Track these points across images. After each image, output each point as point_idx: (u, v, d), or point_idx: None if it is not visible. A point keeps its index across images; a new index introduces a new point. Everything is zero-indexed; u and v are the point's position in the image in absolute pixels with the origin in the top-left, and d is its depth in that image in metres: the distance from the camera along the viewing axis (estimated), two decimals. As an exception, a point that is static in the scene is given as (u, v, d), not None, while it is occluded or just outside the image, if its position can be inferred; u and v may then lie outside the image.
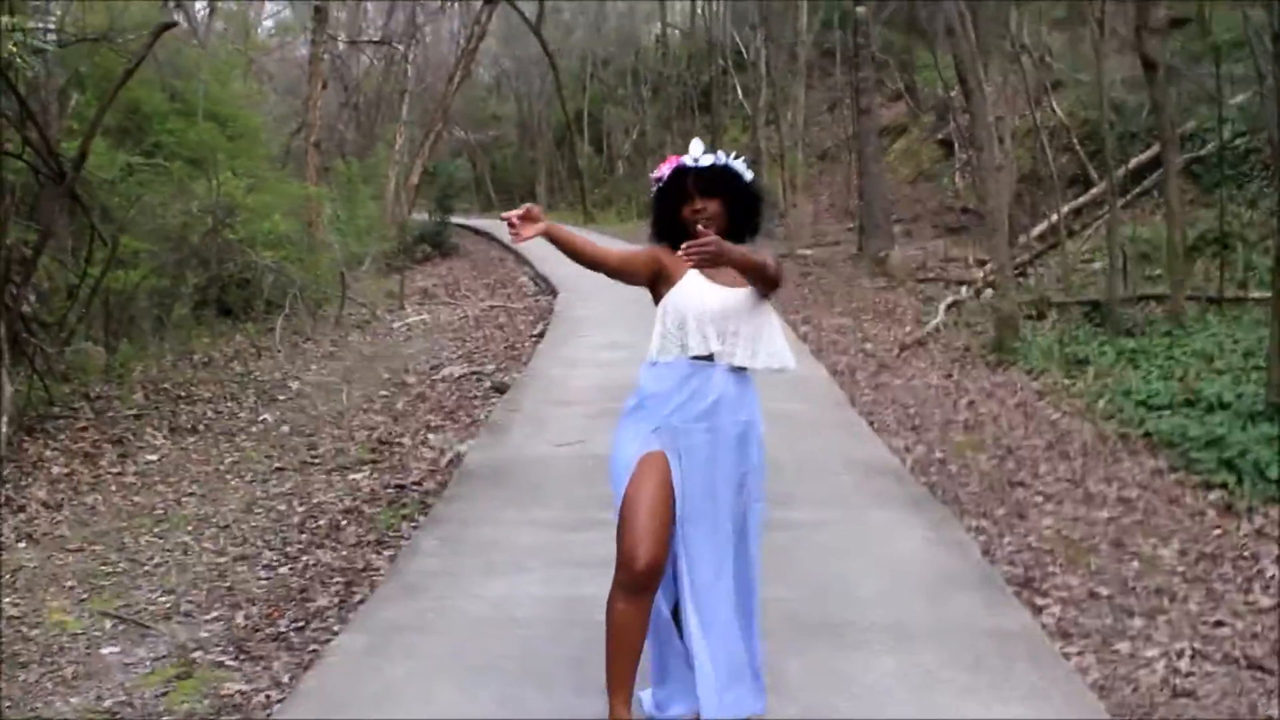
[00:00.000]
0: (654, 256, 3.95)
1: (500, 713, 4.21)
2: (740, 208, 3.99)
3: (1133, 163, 18.60)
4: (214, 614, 5.63)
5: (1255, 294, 13.21)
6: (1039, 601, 5.59)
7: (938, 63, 24.41)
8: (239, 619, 5.53)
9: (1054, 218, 17.60)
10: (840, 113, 30.77)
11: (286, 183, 18.49)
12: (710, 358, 3.84)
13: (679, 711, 3.97)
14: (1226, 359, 11.06)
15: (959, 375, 11.57)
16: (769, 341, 3.93)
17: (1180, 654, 5.04)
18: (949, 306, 15.11)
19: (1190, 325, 12.40)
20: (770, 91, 28.56)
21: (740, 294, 3.90)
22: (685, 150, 3.96)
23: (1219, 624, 5.42)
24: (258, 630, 5.37)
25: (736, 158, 4.00)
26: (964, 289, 16.40)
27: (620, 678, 3.83)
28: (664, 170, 3.98)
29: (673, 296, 3.89)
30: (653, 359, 3.93)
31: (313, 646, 5.12)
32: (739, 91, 36.45)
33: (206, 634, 5.36)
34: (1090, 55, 22.48)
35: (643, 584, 3.76)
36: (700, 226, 3.82)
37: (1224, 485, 7.51)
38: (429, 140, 26.66)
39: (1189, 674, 4.85)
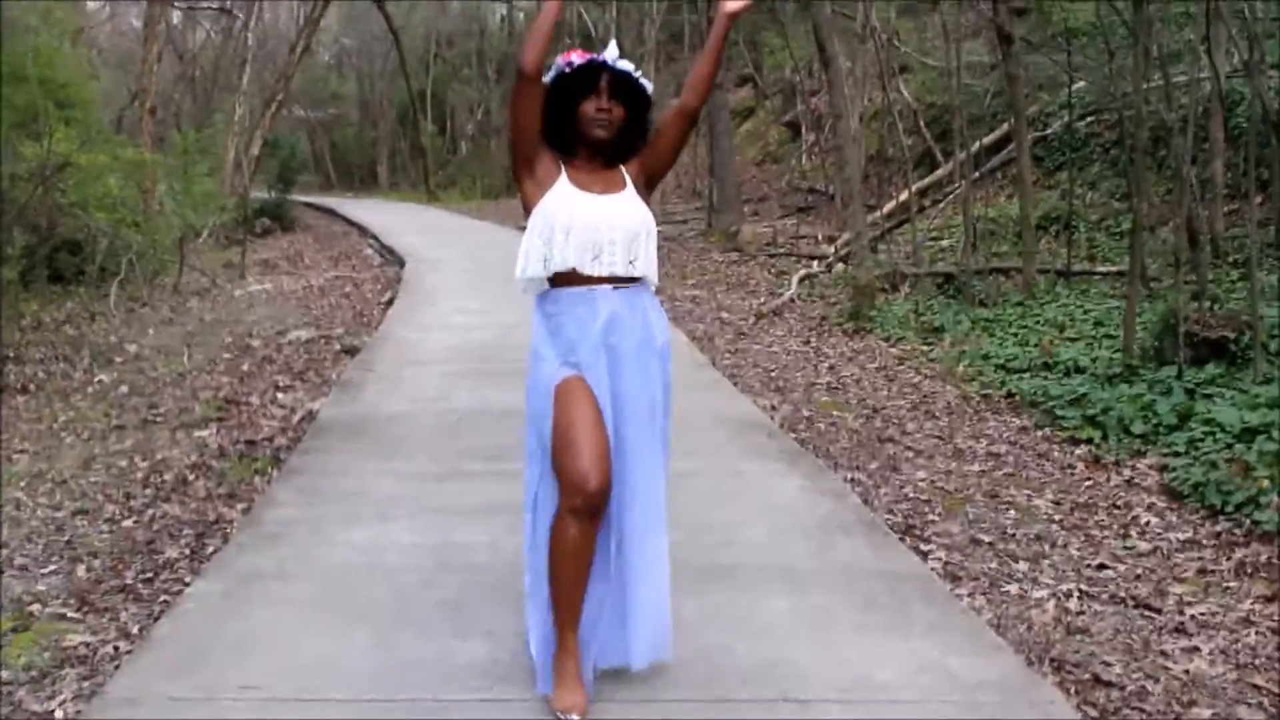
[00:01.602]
0: (541, 142, 3.70)
1: (376, 658, 3.90)
2: (637, 120, 3.77)
3: (977, 145, 18.84)
4: (52, 567, 5.18)
5: (1102, 268, 13.45)
6: (923, 547, 5.48)
7: (789, 43, 24.50)
8: (80, 572, 5.10)
9: (904, 195, 17.74)
10: (688, 94, 30.66)
11: (122, 145, 17.69)
12: (592, 278, 3.61)
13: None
14: (1078, 327, 11.21)
15: (817, 342, 11.51)
16: (646, 248, 3.71)
17: (1069, 595, 4.97)
18: (802, 279, 15.08)
19: (1041, 296, 12.55)
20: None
21: (617, 200, 3.69)
22: None
23: (1102, 567, 5.37)
24: (101, 583, 4.96)
25: (639, 71, 3.79)
26: (816, 264, 16.40)
27: (573, 608, 3.57)
28: (574, 58, 3.70)
29: (542, 207, 3.65)
30: (518, 275, 3.70)
31: (163, 597, 4.74)
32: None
33: (44, 587, 4.92)
34: (935, 41, 22.86)
35: (596, 506, 3.51)
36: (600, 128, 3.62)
37: (1090, 440, 7.53)
38: (270, 110, 25.88)
39: (1080, 613, 4.77)
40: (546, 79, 3.63)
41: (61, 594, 4.82)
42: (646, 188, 3.82)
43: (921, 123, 20.67)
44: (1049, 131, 17.50)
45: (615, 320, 3.61)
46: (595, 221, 3.61)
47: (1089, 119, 16.98)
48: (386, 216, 27.10)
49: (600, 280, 3.61)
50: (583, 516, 3.49)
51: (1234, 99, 13.93)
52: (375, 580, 4.64)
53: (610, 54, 3.71)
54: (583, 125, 3.66)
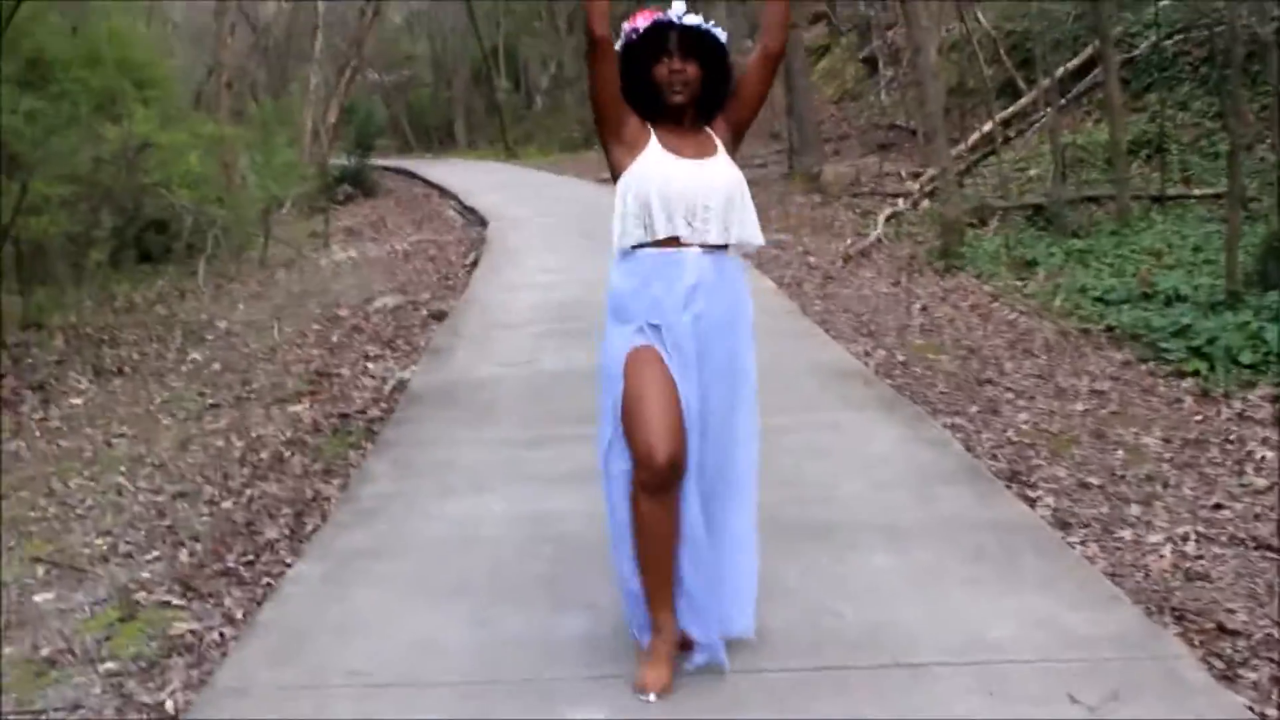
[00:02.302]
0: (624, 104, 3.55)
1: (477, 636, 3.86)
2: (715, 75, 3.60)
3: (1061, 71, 18.37)
4: (155, 553, 5.21)
5: (1198, 191, 13.07)
6: (1030, 494, 5.33)
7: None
8: (183, 557, 5.12)
9: (987, 127, 17.36)
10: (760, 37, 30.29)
11: (201, 122, 17.81)
12: (681, 241, 3.48)
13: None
14: (1176, 254, 10.89)
15: (907, 283, 11.31)
16: (741, 213, 3.57)
17: (1185, 538, 4.81)
18: (888, 219, 14.82)
19: (1135, 224, 12.22)
20: (692, 16, 27.97)
21: (711, 165, 3.55)
22: None
23: (1218, 507, 5.20)
24: (204, 567, 4.97)
25: (711, 23, 3.62)
26: (901, 201, 16.12)
27: (660, 582, 3.46)
28: (639, 22, 3.56)
29: (634, 173, 3.51)
30: (615, 246, 3.55)
31: (266, 579, 4.74)
32: (658, 19, 35.85)
33: (148, 574, 4.94)
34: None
35: (666, 479, 3.38)
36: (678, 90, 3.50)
37: (1196, 373, 7.30)
38: (345, 77, 25.92)
39: (1198, 557, 4.61)
40: (617, 45, 3.52)
41: (165, 580, 4.84)
42: (735, 141, 3.69)
43: (1002, 51, 20.20)
44: (1136, 53, 16.93)
45: (702, 285, 3.48)
46: (691, 188, 3.48)
47: (1177, 37, 16.41)
48: (465, 176, 27.11)
49: (689, 245, 3.48)
50: (653, 491, 3.38)
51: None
52: (471, 554, 4.60)
53: (677, 10, 3.55)
54: (660, 90, 3.53)
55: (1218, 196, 12.72)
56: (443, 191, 24.28)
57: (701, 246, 3.49)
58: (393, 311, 11.17)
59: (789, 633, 3.75)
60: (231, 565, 4.97)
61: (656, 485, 3.39)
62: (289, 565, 4.80)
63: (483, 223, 18.10)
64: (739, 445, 3.58)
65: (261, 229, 16.52)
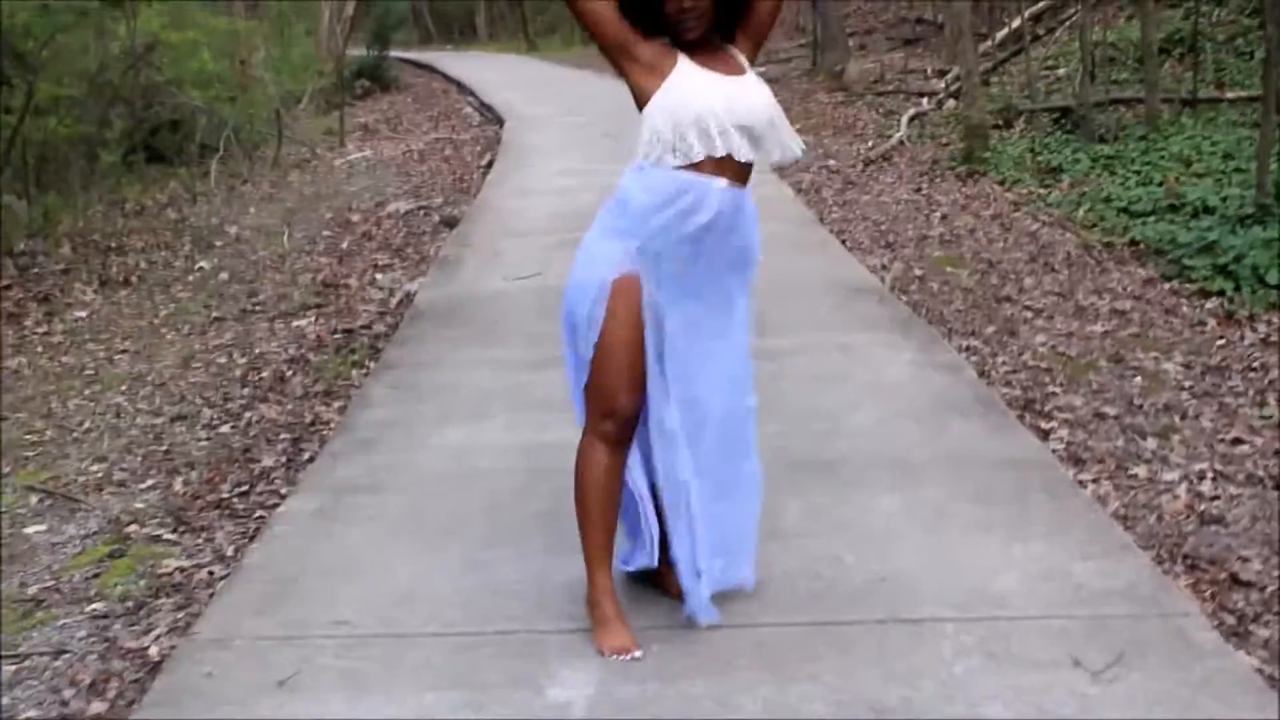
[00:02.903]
0: (625, 29, 3.25)
1: (468, 582, 3.76)
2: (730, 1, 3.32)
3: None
4: (150, 482, 5.13)
5: (1231, 94, 12.71)
6: (1043, 425, 5.19)
7: None
8: (177, 486, 5.04)
9: (1015, 23, 16.93)
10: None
11: (214, 18, 17.52)
12: (707, 167, 3.21)
13: (644, 562, 3.52)
14: (1206, 162, 10.60)
15: (929, 189, 11.07)
16: (779, 131, 3.33)
17: (1201, 476, 4.67)
18: (911, 119, 14.50)
19: (1165, 129, 11.89)
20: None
21: (747, 84, 3.29)
22: None
23: (1237, 441, 5.05)
24: (198, 498, 4.89)
25: None
26: (925, 101, 15.77)
27: (600, 542, 3.37)
28: None
29: (667, 92, 3.22)
30: (639, 163, 3.29)
31: (259, 513, 4.66)
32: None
33: (142, 505, 4.87)
34: None
35: (625, 432, 3.30)
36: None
37: (1221, 293, 7.11)
38: (363, -30, 25.48)
39: (1214, 498, 4.48)
40: None
41: (159, 512, 4.76)
42: (754, 53, 3.42)
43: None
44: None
45: (719, 222, 3.25)
46: (732, 108, 3.21)
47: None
48: (485, 71, 26.70)
49: (718, 172, 3.23)
50: (610, 442, 3.28)
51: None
52: (468, 490, 4.48)
53: None
54: (672, 25, 3.24)
55: (1252, 99, 12.38)
56: (461, 87, 23.93)
57: (729, 180, 3.25)
58: (404, 217, 11.01)
59: (788, 583, 3.64)
60: (226, 496, 4.89)
61: (614, 436, 3.28)
62: (283, 496, 4.72)
63: (500, 121, 17.82)
64: (731, 390, 3.42)
65: (276, 128, 16.28)
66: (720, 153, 3.19)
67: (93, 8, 12.98)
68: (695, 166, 3.21)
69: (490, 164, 13.77)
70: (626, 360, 3.24)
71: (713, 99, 3.20)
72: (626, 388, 3.25)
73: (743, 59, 3.37)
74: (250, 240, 10.57)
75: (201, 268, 9.55)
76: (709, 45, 3.30)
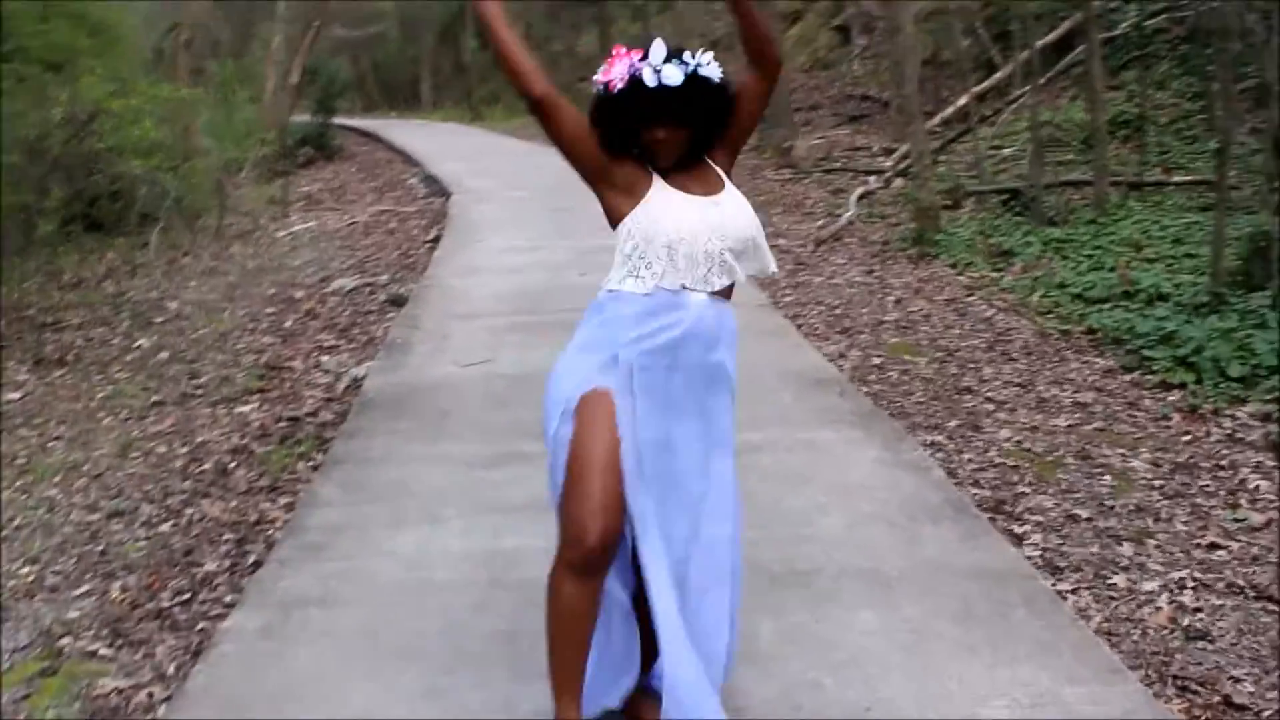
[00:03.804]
0: (599, 153, 3.15)
1: (428, 706, 3.55)
2: (710, 125, 3.17)
3: (1040, 44, 18.06)
4: (85, 587, 4.86)
5: (1177, 178, 12.81)
6: (1016, 529, 5.05)
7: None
8: (114, 592, 4.78)
9: (962, 101, 17.06)
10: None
11: (157, 85, 17.29)
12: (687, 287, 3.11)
13: (628, 685, 3.32)
14: (1156, 247, 10.63)
15: (881, 271, 11.00)
16: (758, 251, 3.21)
17: (1181, 585, 4.54)
18: (860, 198, 14.50)
19: (1113, 212, 11.94)
20: (661, -22, 27.59)
21: (724, 203, 3.16)
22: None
23: (1213, 546, 4.93)
24: (136, 606, 4.63)
25: (705, 52, 3.09)
26: (873, 179, 15.80)
27: (569, 674, 3.15)
28: (614, 77, 3.07)
29: (639, 218, 3.10)
30: (612, 287, 3.17)
31: (201, 624, 4.41)
32: (629, -20, 35.37)
33: (76, 613, 4.60)
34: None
35: (597, 563, 3.07)
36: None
37: (1183, 385, 7.03)
38: (309, 37, 25.32)
39: (1196, 609, 4.34)
40: (594, 92, 3.12)
41: (94, 623, 4.50)
42: (731, 160, 3.30)
43: (978, 23, 19.87)
44: (1117, 32, 16.59)
45: (699, 333, 3.12)
46: (707, 232, 3.09)
47: (1162, 15, 16.08)
48: (430, 140, 26.55)
49: (697, 291, 3.12)
50: (580, 572, 3.07)
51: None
52: (425, 604, 4.26)
53: (655, 58, 3.04)
54: (647, 151, 3.12)
55: (1198, 183, 12.49)
56: (406, 157, 23.75)
57: (709, 294, 3.14)
58: (349, 294, 10.78)
59: (767, 708, 3.45)
60: (166, 605, 4.63)
61: (586, 567, 3.07)
62: (228, 605, 4.48)
63: (445, 194, 17.64)
64: (710, 516, 3.23)
65: (218, 198, 16.03)
66: (697, 283, 3.09)
67: (32, 73, 12.78)
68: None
69: (437, 239, 13.57)
70: (599, 484, 3.04)
71: (689, 222, 3.08)
72: (598, 514, 3.03)
73: (720, 173, 3.24)
74: (191, 316, 10.31)
75: (140, 346, 9.29)
76: (685, 162, 3.18)
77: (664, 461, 3.14)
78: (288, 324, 9.79)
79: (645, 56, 3.05)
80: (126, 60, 17.37)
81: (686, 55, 3.06)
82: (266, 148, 21.27)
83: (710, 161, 3.24)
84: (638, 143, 3.11)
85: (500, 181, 18.00)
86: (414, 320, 9.12)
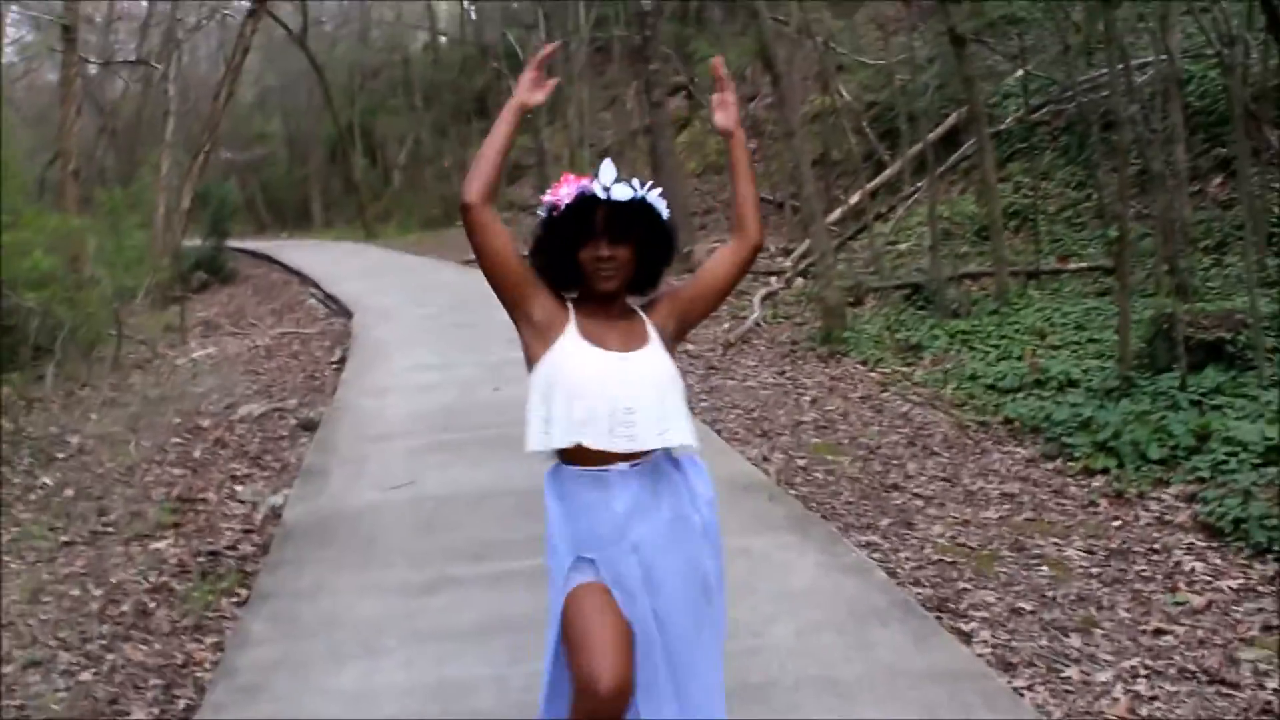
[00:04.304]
0: (530, 279, 3.12)
1: None
2: (652, 253, 3.15)
3: (929, 140, 18.47)
4: (5, 745, 4.63)
5: (1073, 265, 13.10)
6: (964, 626, 5.03)
7: (726, 52, 24.06)
8: (36, 750, 4.56)
9: (854, 199, 17.36)
10: (620, 109, 30.33)
11: (45, 216, 16.99)
12: (601, 455, 3.05)
13: None
14: (1060, 334, 10.85)
15: (793, 371, 11.07)
16: (674, 416, 3.10)
17: (1134, 674, 4.54)
18: (764, 299, 14.64)
19: (1014, 301, 12.17)
20: (550, 92, 27.85)
21: (638, 359, 3.09)
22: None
23: (1159, 632, 4.95)
24: (62, 764, 4.41)
25: (650, 188, 3.12)
26: (774, 280, 15.98)
27: None
28: (562, 195, 3.08)
29: (547, 366, 3.07)
30: (529, 447, 3.09)
31: (134, 779, 4.21)
32: (515, 93, 35.70)
33: (-3, 774, 4.38)
34: (868, 38, 22.57)
35: (612, 711, 2.94)
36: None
37: (1106, 470, 7.11)
38: (198, 162, 25.12)
39: (1153, 698, 4.33)
40: (540, 213, 3.09)
41: (18, 783, 4.27)
42: (677, 335, 3.24)
43: (864, 123, 20.31)
44: (1003, 127, 17.04)
45: (639, 508, 3.07)
46: (611, 388, 3.02)
47: (1044, 109, 16.56)
48: (325, 260, 26.37)
49: (615, 458, 3.05)
50: None
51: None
52: (373, 743, 4.10)
53: (605, 177, 3.07)
54: (586, 275, 3.09)
55: (1092, 270, 12.78)
56: (303, 278, 23.55)
57: (628, 461, 3.06)
58: (258, 420, 10.57)
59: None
60: (95, 761, 4.41)
61: (601, 717, 2.96)
62: (161, 757, 4.27)
63: (347, 314, 17.48)
64: (708, 681, 3.15)
65: (114, 327, 15.70)
66: (601, 442, 3.02)
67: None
68: (593, 457, 3.06)
69: (343, 360, 13.41)
70: (601, 633, 2.99)
71: (589, 376, 3.04)
72: (607, 662, 2.94)
73: (650, 327, 3.19)
74: (94, 451, 10.01)
75: (44, 484, 8.98)
76: (614, 307, 3.15)
77: (660, 635, 3.09)
78: (196, 454, 9.54)
79: (594, 179, 3.06)
80: (14, 193, 17.13)
81: (634, 181, 3.08)
82: (160, 274, 20.96)
83: (644, 315, 3.21)
84: (576, 266, 3.08)
85: (401, 298, 17.89)
86: (328, 445, 8.94)
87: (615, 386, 3.03)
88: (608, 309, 3.14)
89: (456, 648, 4.84)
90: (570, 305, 3.14)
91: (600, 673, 2.91)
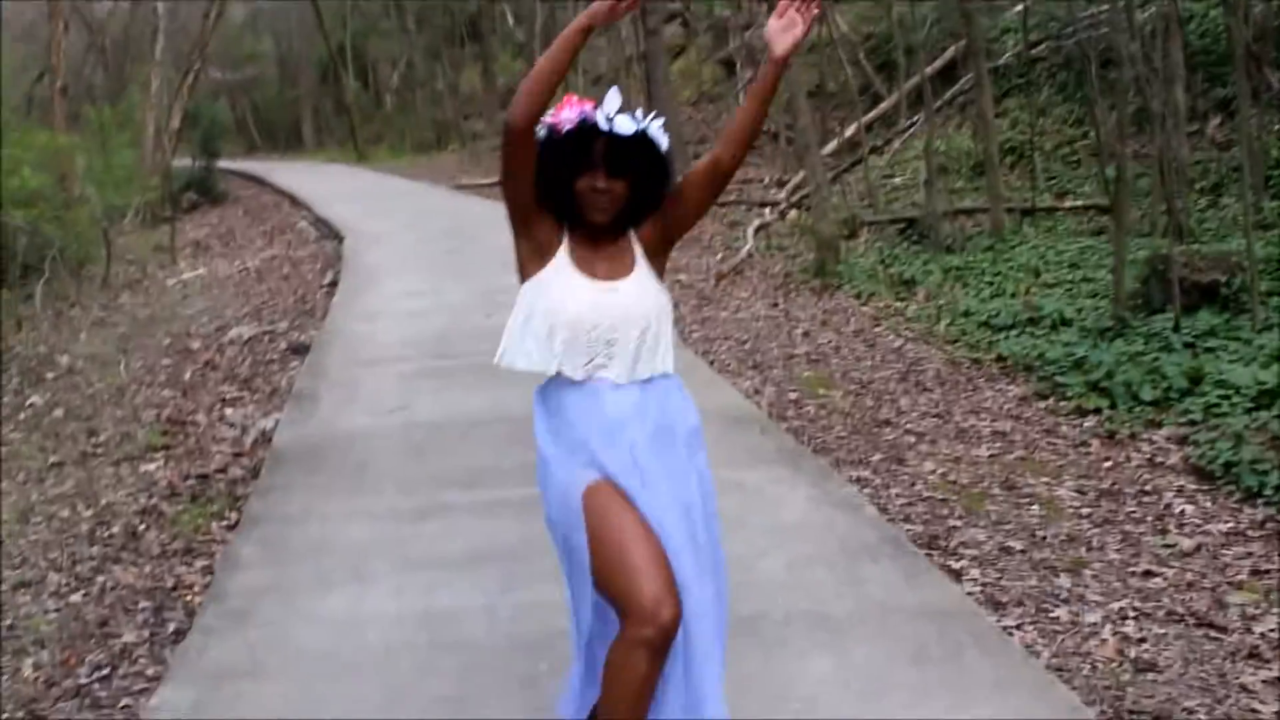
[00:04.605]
0: (533, 197, 3.07)
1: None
2: (648, 186, 3.09)
3: (928, 73, 18.31)
4: (-8, 667, 4.63)
5: (1069, 203, 13.03)
6: (954, 565, 5.02)
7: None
8: (27, 670, 4.54)
9: (849, 132, 17.23)
10: (614, 35, 30.04)
11: (32, 133, 16.84)
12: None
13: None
14: (1054, 272, 10.80)
15: (785, 303, 11.03)
16: (654, 347, 3.11)
17: (1123, 616, 4.54)
18: (757, 230, 14.56)
19: (1009, 238, 12.12)
20: (545, 15, 27.58)
21: (624, 289, 3.08)
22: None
23: (1148, 574, 4.95)
24: (52, 684, 4.40)
25: (653, 119, 3.04)
26: (768, 211, 15.89)
27: None
28: (563, 119, 3.01)
29: (538, 287, 3.08)
30: (497, 359, 3.13)
31: (124, 701, 4.20)
32: (510, 18, 35.34)
33: (-14, 694, 4.37)
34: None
35: (671, 636, 2.89)
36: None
37: (1098, 410, 7.10)
38: (188, 80, 24.90)
39: (1141, 640, 4.34)
40: (539, 132, 3.01)
41: (9, 704, 4.27)
42: (664, 247, 3.21)
43: (861, 55, 20.13)
44: (1001, 62, 16.89)
45: (629, 414, 3.06)
46: (593, 318, 3.03)
47: (1043, 44, 16.39)
48: (317, 182, 26.16)
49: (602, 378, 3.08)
50: (656, 649, 2.87)
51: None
52: (361, 672, 4.08)
53: (609, 106, 3.01)
54: (579, 203, 3.04)
55: (1087, 209, 12.72)
56: (294, 200, 23.38)
57: (618, 384, 3.07)
58: (248, 343, 10.52)
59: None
60: (85, 681, 4.40)
61: (661, 644, 2.89)
62: (151, 680, 4.27)
63: (338, 237, 17.37)
64: (703, 597, 3.11)
65: (103, 246, 15.60)
66: (578, 370, 3.05)
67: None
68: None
69: (334, 283, 13.32)
70: (646, 556, 2.91)
71: (574, 306, 3.04)
72: (662, 586, 2.88)
73: (637, 250, 3.16)
74: (84, 371, 9.99)
75: (33, 403, 8.96)
76: (604, 235, 3.12)
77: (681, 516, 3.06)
78: (186, 376, 9.50)
79: (598, 107, 3.00)
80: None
81: (638, 113, 3.02)
82: (150, 194, 20.82)
83: (632, 238, 3.17)
84: (571, 193, 3.04)
85: (393, 223, 17.77)
86: (319, 369, 8.90)
87: (597, 317, 3.04)
88: (598, 237, 3.11)
89: (446, 575, 4.84)
90: (565, 230, 3.11)
91: (661, 597, 2.85)
